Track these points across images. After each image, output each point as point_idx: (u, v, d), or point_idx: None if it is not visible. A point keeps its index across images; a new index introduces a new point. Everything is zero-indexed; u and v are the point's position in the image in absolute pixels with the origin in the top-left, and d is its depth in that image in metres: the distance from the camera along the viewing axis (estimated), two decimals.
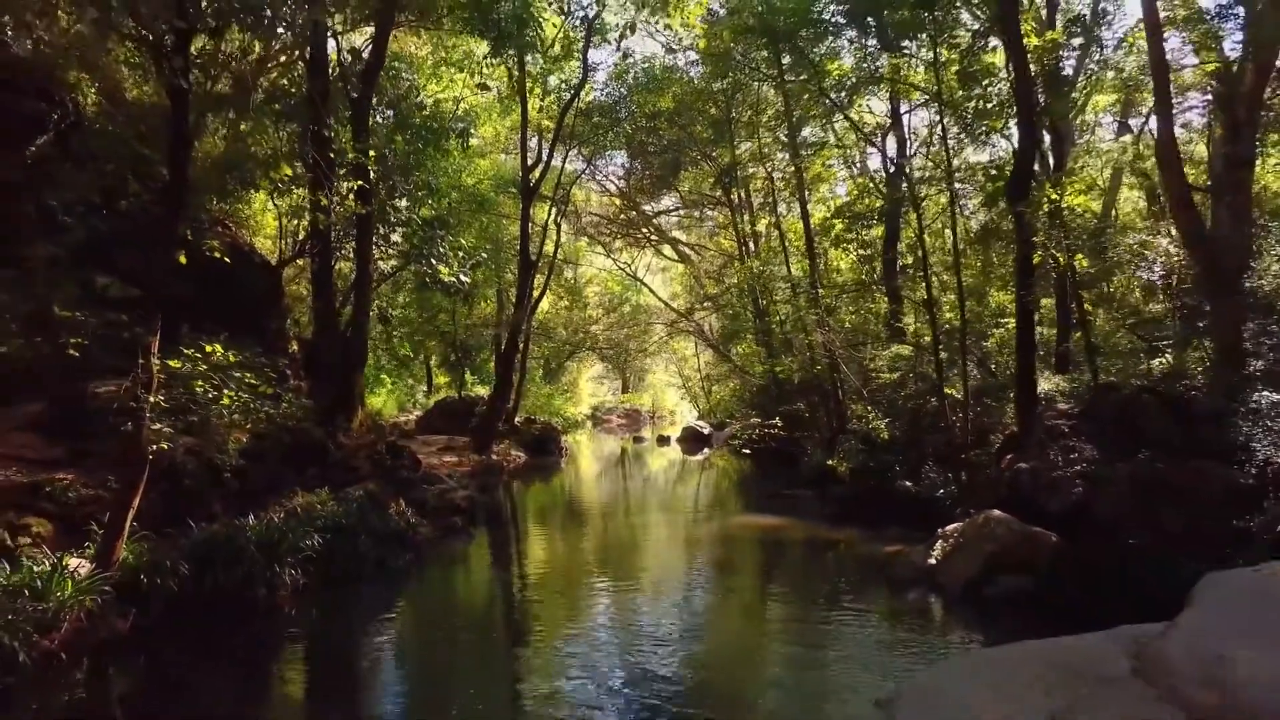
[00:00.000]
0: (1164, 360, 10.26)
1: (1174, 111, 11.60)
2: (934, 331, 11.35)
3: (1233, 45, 12.16)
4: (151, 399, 5.80)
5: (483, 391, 25.12)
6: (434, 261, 12.90)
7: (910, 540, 8.94)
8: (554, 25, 18.05)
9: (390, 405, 24.55)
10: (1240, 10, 11.24)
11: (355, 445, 11.16)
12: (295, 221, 16.15)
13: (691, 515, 13.63)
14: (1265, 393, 7.46)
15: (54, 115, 12.03)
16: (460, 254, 14.12)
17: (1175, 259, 9.30)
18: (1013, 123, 12.22)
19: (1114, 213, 20.89)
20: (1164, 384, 8.56)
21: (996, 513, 7.86)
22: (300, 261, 15.85)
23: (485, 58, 14.19)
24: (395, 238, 13.38)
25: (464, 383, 28.47)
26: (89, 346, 7.79)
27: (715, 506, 14.90)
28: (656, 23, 19.67)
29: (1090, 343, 11.09)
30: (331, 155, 9.34)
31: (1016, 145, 11.07)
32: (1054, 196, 10.87)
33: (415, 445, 15.92)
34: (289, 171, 8.81)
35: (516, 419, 23.03)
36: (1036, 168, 15.68)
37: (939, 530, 8.26)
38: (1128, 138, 19.25)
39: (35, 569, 5.76)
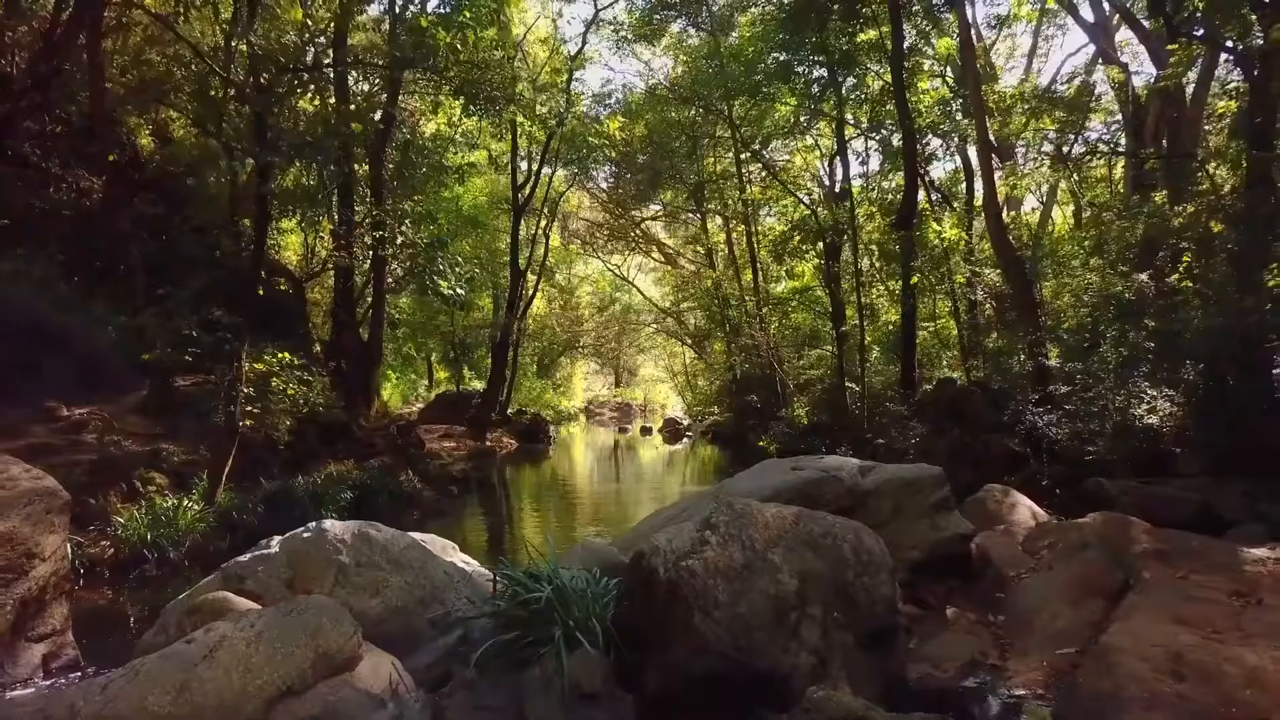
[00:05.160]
0: (1016, 360, 12.92)
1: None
2: (837, 337, 14.01)
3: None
4: (243, 390, 8.47)
5: (479, 386, 27.48)
6: (435, 278, 15.55)
7: None
8: (539, 63, 20.65)
9: (395, 398, 26.98)
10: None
11: (373, 428, 13.88)
12: (315, 238, 18.80)
13: (648, 486, 16.42)
14: (1054, 386, 10.13)
15: (115, 155, 14.75)
16: (458, 269, 16.72)
17: (998, 286, 11.97)
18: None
19: (1049, 223, 23.55)
20: (990, 378, 11.25)
21: None
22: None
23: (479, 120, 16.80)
24: (401, 257, 16.00)
25: (462, 378, 30.93)
26: (170, 351, 10.53)
27: (669, 480, 17.69)
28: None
29: (964, 346, 13.76)
30: (355, 207, 11.93)
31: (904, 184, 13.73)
32: (937, 228, 13.54)
33: (418, 432, 18.52)
34: (329, 226, 11.43)
35: (509, 411, 25.61)
36: (967, 188, 18.23)
37: None
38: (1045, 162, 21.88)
39: (164, 506, 8.46)
